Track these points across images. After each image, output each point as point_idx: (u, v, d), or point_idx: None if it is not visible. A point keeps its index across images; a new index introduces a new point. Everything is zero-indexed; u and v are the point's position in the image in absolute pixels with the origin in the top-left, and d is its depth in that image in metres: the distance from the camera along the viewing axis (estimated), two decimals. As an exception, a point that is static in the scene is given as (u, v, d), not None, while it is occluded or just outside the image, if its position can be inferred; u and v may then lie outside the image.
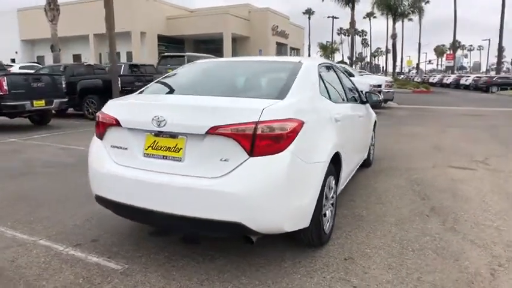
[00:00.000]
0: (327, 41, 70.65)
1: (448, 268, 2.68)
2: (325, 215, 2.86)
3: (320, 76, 3.28)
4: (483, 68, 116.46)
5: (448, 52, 72.49)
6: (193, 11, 36.26)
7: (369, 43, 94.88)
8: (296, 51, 46.92)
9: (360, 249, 2.96)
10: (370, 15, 72.92)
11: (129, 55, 30.90)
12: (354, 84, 4.84)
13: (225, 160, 2.29)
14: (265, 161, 2.26)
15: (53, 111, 10.13)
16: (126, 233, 3.24)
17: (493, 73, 51.65)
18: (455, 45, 58.03)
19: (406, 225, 3.45)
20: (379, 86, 14.28)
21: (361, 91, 5.04)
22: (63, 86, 9.69)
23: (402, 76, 56.10)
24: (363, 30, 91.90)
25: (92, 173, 2.80)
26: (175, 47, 33.74)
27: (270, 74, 3.27)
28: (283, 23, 39.82)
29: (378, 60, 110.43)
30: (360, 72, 21.58)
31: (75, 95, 11.22)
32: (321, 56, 68.27)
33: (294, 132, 2.33)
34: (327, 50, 63.67)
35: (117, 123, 2.61)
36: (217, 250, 2.87)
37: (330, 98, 3.27)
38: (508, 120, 11.83)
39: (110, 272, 2.59)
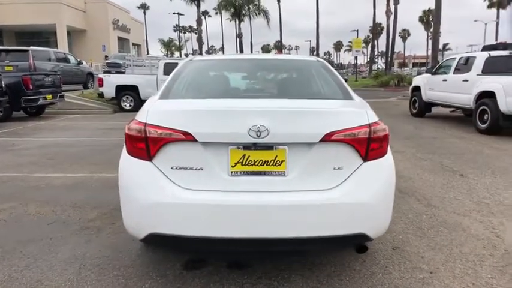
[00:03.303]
0: (170, 37, 69.22)
1: (469, 238, 3.14)
2: None
3: None
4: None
5: (274, 51, 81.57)
6: (12, -4, 30.11)
7: (204, 41, 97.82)
8: (137, 46, 44.76)
9: (392, 237, 3.15)
10: (205, 13, 75.09)
11: None
12: None
13: (338, 168, 2.10)
14: (376, 165, 2.18)
15: None
16: (154, 273, 2.57)
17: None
18: (282, 45, 65.75)
19: (397, 208, 3.83)
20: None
21: None
22: None
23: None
24: (198, 28, 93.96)
25: (140, 206, 2.10)
26: (-10, 39, 27.55)
27: (307, 73, 3.07)
28: (124, 17, 37.32)
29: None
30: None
31: None
32: (164, 54, 66.49)
33: (388, 133, 2.31)
34: (170, 46, 62.45)
35: (189, 138, 2.05)
36: (274, 270, 2.60)
37: None
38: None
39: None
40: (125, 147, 2.28)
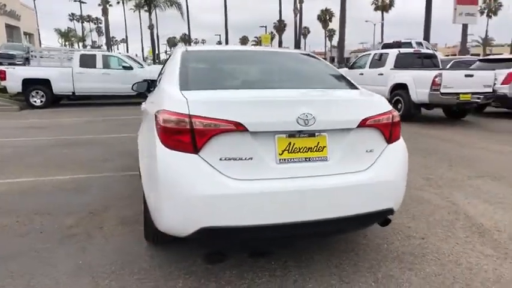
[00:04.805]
0: (68, 27, 62.42)
1: (435, 208, 3.66)
2: None
3: None
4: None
5: (181, 44, 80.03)
6: None
7: (104, 32, 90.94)
8: (29, 36, 39.75)
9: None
10: (106, 2, 69.86)
11: None
12: None
13: (370, 151, 2.31)
14: (396, 146, 2.44)
15: None
16: (180, 272, 2.49)
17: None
18: (190, 38, 64.84)
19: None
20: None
21: None
22: None
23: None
24: (97, 18, 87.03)
25: (189, 201, 2.02)
26: None
27: (312, 65, 3.19)
28: (12, 2, 32.77)
29: (115, 49, 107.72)
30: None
31: None
32: (62, 44, 59.80)
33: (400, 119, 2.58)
34: (69, 37, 56.48)
35: (240, 128, 2.04)
36: (294, 253, 2.74)
37: None
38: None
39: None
40: (157, 140, 2.15)
